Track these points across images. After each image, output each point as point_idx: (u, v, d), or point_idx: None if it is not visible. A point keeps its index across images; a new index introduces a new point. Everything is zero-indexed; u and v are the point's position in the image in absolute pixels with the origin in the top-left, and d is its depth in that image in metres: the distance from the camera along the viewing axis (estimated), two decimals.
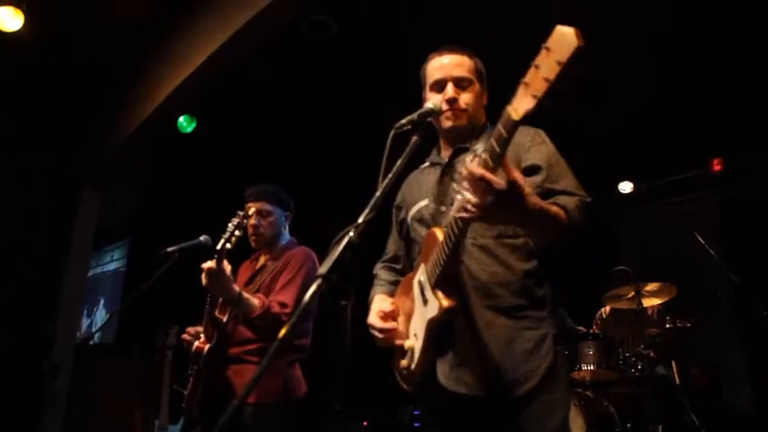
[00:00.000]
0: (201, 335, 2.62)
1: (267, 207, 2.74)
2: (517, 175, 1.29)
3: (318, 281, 1.20)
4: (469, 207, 1.30)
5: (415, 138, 1.57)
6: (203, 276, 2.41)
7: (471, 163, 1.28)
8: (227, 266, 2.42)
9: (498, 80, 1.78)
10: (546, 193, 1.56)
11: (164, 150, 5.66)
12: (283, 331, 1.17)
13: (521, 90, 1.18)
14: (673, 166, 5.93)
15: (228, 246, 2.43)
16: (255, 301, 2.47)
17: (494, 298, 1.61)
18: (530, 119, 1.18)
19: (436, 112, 1.70)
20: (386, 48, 4.22)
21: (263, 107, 5.08)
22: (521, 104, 1.17)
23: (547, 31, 1.15)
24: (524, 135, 1.70)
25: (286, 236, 2.83)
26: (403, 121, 1.58)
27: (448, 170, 1.79)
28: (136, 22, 4.23)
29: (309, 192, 3.18)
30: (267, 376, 2.46)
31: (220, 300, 2.57)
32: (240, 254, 2.86)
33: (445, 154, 1.85)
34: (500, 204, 1.27)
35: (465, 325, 1.60)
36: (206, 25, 3.95)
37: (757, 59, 4.39)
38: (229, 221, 2.49)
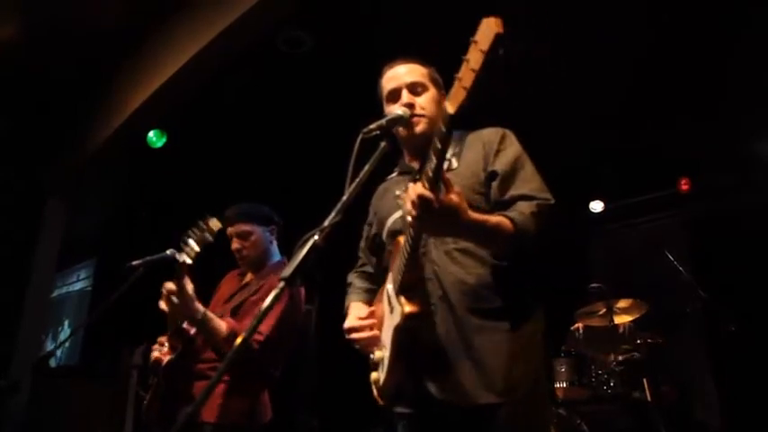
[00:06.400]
0: (165, 344, 2.51)
1: (245, 228, 2.61)
2: (453, 194, 1.36)
3: (281, 284, 1.18)
4: (408, 219, 1.41)
5: (383, 144, 1.57)
6: (162, 301, 2.28)
7: (415, 184, 1.37)
8: (189, 285, 2.26)
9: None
10: (508, 199, 1.60)
11: (135, 166, 5.56)
12: (239, 339, 1.14)
13: (455, 84, 1.23)
14: (642, 186, 6.06)
15: (189, 261, 2.26)
16: (223, 324, 2.31)
17: (481, 300, 1.58)
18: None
19: (404, 119, 1.69)
20: (362, 60, 4.22)
21: (235, 121, 5.03)
22: (455, 98, 1.23)
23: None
24: (494, 135, 1.72)
25: (275, 253, 2.69)
26: (372, 126, 1.58)
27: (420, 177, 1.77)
28: (105, 32, 4.17)
29: (284, 206, 3.14)
30: (233, 396, 2.36)
31: None
32: (229, 264, 2.76)
33: (414, 163, 1.83)
34: (434, 219, 1.36)
35: (455, 333, 1.57)
36: (177, 37, 3.91)
37: (723, 79, 4.51)
38: (186, 232, 2.33)
